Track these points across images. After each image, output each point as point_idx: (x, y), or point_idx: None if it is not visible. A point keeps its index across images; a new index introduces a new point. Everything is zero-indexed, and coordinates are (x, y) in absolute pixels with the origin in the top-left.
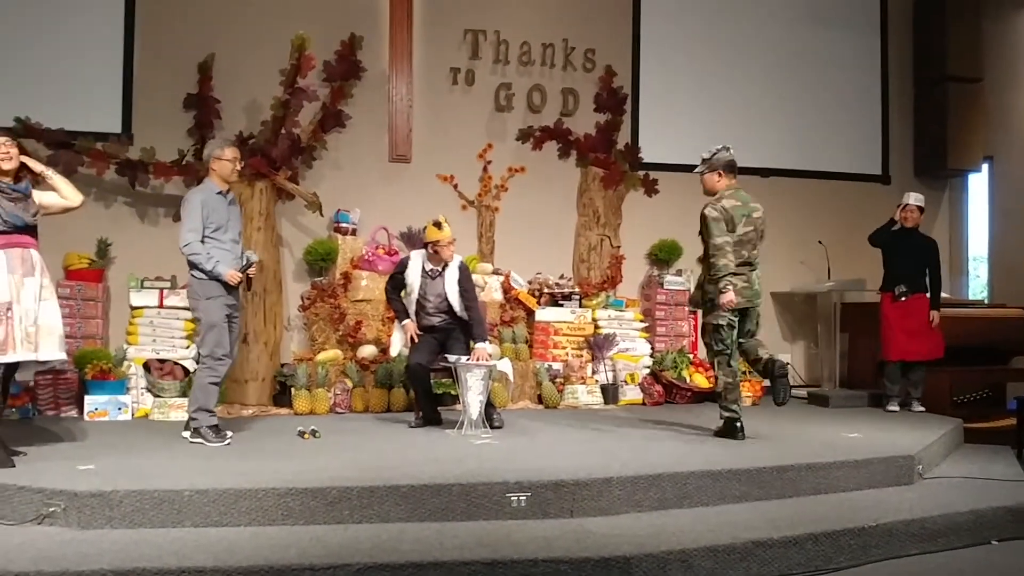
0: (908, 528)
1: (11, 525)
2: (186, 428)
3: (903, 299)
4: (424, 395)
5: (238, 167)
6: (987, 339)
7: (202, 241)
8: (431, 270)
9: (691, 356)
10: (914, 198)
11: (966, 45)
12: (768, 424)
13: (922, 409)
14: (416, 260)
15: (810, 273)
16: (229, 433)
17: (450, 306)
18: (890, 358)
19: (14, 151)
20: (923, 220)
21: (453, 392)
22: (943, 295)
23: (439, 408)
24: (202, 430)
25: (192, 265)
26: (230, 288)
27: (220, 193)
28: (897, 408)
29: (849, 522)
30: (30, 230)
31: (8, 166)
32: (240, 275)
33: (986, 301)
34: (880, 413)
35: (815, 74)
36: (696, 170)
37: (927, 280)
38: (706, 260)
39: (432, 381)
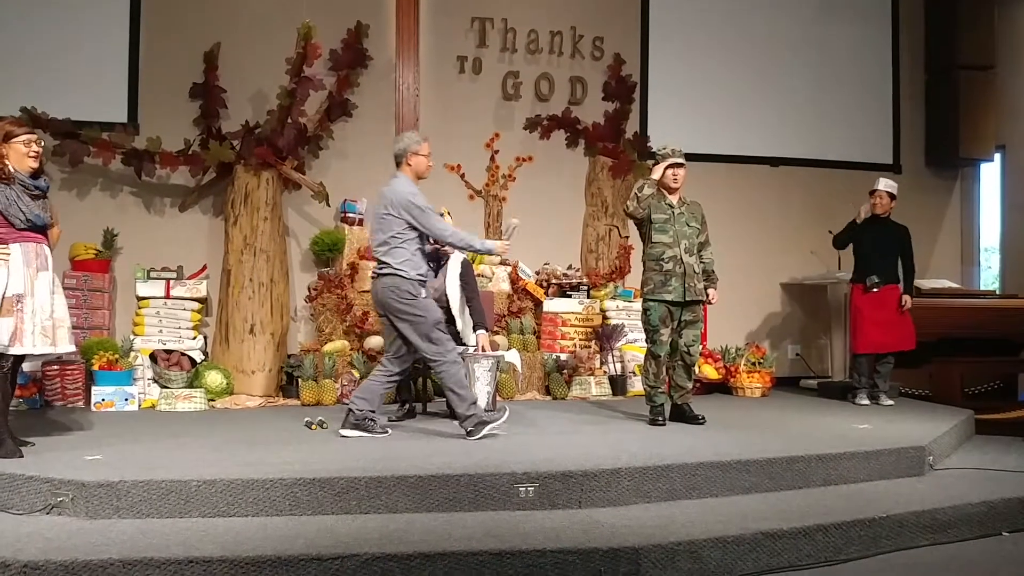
0: (919, 519)
1: (19, 515)
2: (351, 427)
3: (875, 290)
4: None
5: (431, 163)
6: (999, 330)
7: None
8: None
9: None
10: (884, 184)
11: (978, 33)
12: (778, 415)
13: (891, 403)
14: None
15: (820, 263)
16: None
17: (448, 301)
18: (859, 351)
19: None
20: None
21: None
22: (951, 284)
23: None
24: (487, 423)
25: (450, 250)
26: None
27: None
28: (867, 402)
29: (859, 513)
30: (44, 228)
31: (37, 165)
32: (509, 244)
33: (998, 292)
34: (891, 404)
35: (825, 63)
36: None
37: (899, 270)
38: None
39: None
